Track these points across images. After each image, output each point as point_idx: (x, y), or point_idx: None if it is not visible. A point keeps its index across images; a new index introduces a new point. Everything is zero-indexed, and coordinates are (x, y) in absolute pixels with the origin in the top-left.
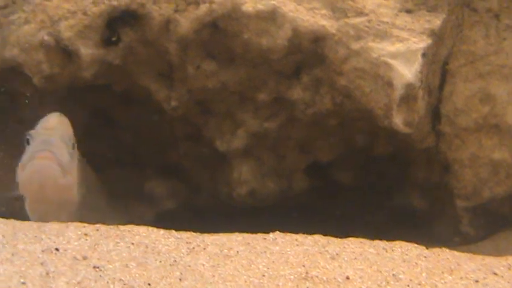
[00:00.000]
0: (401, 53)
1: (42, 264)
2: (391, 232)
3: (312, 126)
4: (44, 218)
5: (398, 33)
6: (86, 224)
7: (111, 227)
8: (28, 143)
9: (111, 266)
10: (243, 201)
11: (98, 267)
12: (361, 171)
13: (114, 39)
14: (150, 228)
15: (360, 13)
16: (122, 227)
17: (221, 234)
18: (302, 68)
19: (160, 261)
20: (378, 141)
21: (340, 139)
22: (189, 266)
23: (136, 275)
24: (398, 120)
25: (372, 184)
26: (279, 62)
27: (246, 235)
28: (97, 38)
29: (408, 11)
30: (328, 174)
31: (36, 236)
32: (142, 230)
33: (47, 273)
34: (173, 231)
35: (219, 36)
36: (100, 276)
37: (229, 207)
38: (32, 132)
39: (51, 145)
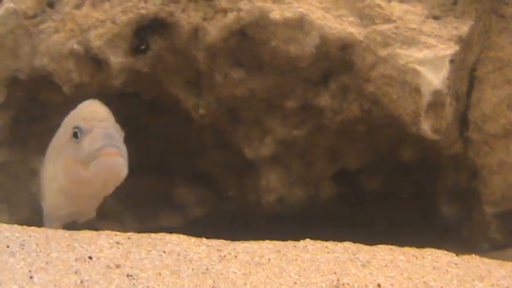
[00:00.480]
0: (429, 59)
1: (76, 272)
2: (419, 238)
3: (340, 134)
4: (79, 213)
5: (426, 39)
6: (117, 232)
7: (143, 235)
8: (76, 136)
9: (144, 275)
10: (271, 209)
11: (131, 276)
12: (389, 177)
13: (143, 47)
14: (182, 236)
15: (388, 20)
16: (153, 235)
17: (252, 242)
18: (330, 75)
19: (192, 269)
20: (406, 147)
21: (367, 146)
22: (221, 274)
23: (170, 283)
24: (426, 127)
25: (400, 191)
26: (306, 69)
27: (276, 243)
28: (126, 47)
29: (435, 18)
30: (356, 181)
31: (69, 245)
32: (174, 238)
33: (81, 282)
34: (204, 239)
35: (246, 44)
36: (133, 284)
37: (257, 214)
38: (81, 124)
39: (114, 139)
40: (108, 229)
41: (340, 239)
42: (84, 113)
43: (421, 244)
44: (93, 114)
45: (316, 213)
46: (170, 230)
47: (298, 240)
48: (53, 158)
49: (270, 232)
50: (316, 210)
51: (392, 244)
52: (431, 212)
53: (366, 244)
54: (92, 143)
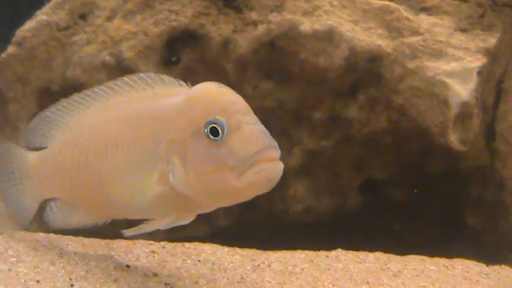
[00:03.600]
0: (456, 71)
1: (115, 281)
2: (445, 249)
3: (367, 145)
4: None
5: (454, 52)
6: (152, 241)
7: (176, 244)
8: (215, 134)
9: (181, 283)
10: (298, 218)
11: (168, 284)
12: (415, 188)
13: (173, 59)
14: (215, 246)
15: (415, 32)
16: (187, 244)
17: (284, 251)
18: (358, 86)
19: (228, 278)
20: (432, 158)
21: (393, 157)
22: (256, 283)
23: None
24: (453, 138)
25: (425, 201)
26: (335, 81)
27: (308, 252)
28: (157, 58)
29: (463, 30)
30: (382, 192)
31: (106, 253)
32: (207, 247)
33: None
34: (237, 248)
35: (276, 56)
36: None
37: (284, 224)
38: (221, 119)
39: (270, 137)
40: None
41: (365, 248)
42: (218, 103)
43: (446, 254)
44: (234, 106)
45: (342, 223)
46: (197, 240)
47: (329, 250)
48: (151, 158)
49: (296, 242)
50: (343, 220)
51: (418, 254)
52: (457, 223)
53: (395, 254)
54: (246, 144)
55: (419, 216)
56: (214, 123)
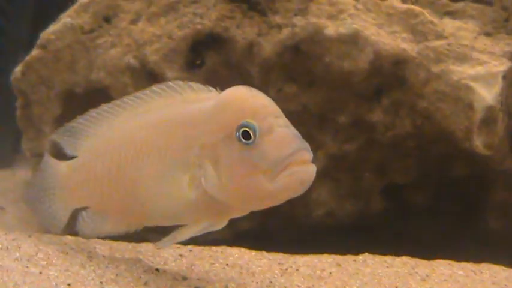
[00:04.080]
0: (481, 75)
1: (145, 284)
2: (467, 253)
3: (390, 149)
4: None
5: (478, 56)
6: (179, 245)
7: (203, 247)
8: (247, 137)
9: (211, 287)
10: (321, 222)
11: None
12: (437, 192)
13: (198, 62)
14: (242, 250)
15: (440, 36)
16: (214, 248)
17: (311, 256)
18: (382, 90)
19: (257, 282)
20: (456, 163)
21: (417, 161)
22: (285, 287)
23: None
24: (478, 143)
25: (448, 206)
26: (359, 84)
27: (335, 256)
28: (182, 61)
29: (487, 34)
30: (404, 196)
31: (134, 257)
32: (235, 251)
33: None
34: (264, 252)
35: (300, 59)
36: None
37: (306, 227)
38: (252, 122)
39: (302, 140)
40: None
41: (387, 253)
42: (250, 106)
43: (471, 259)
44: (265, 109)
45: (364, 227)
46: (219, 243)
47: (354, 254)
48: (183, 164)
49: (318, 245)
50: (365, 224)
51: (443, 258)
52: (480, 227)
53: (419, 258)
54: (279, 147)
55: (442, 220)
56: (246, 127)
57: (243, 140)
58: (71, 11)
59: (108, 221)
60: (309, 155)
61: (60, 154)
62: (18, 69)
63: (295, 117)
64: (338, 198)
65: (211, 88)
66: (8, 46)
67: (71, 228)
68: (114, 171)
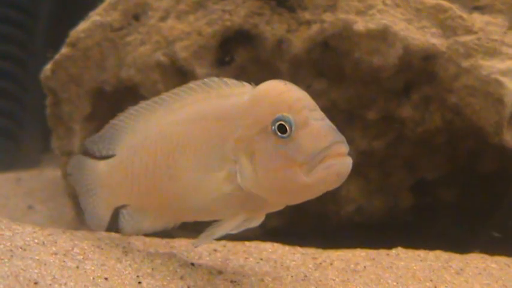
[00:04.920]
0: (511, 70)
1: (181, 278)
2: (496, 249)
3: (419, 144)
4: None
5: (508, 50)
6: (213, 240)
7: (237, 242)
8: (283, 131)
9: (247, 281)
10: (350, 219)
11: (235, 282)
12: (467, 188)
13: (227, 59)
14: (275, 244)
15: (469, 31)
16: (247, 243)
17: (345, 250)
18: (412, 86)
19: (292, 276)
20: (485, 158)
21: (446, 157)
22: (320, 280)
23: None
24: (509, 137)
25: (477, 201)
26: (388, 80)
27: (369, 251)
28: (211, 58)
29: None
30: (434, 192)
31: (168, 252)
32: (268, 246)
33: (188, 287)
34: (298, 247)
35: (329, 55)
36: None
37: (335, 224)
38: (288, 116)
39: (338, 133)
40: (184, 238)
41: (416, 248)
42: (285, 100)
43: (503, 254)
44: (300, 102)
45: (393, 224)
46: (248, 239)
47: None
48: (218, 158)
49: (348, 242)
50: (394, 220)
51: (472, 253)
52: (509, 222)
53: (456, 252)
54: (315, 140)
55: (471, 216)
56: (282, 120)
57: (278, 133)
58: (100, 9)
59: (148, 218)
60: (345, 147)
61: (88, 154)
62: (47, 67)
63: (325, 114)
64: (367, 195)
65: (245, 83)
66: (36, 45)
67: (110, 226)
68: (151, 167)
